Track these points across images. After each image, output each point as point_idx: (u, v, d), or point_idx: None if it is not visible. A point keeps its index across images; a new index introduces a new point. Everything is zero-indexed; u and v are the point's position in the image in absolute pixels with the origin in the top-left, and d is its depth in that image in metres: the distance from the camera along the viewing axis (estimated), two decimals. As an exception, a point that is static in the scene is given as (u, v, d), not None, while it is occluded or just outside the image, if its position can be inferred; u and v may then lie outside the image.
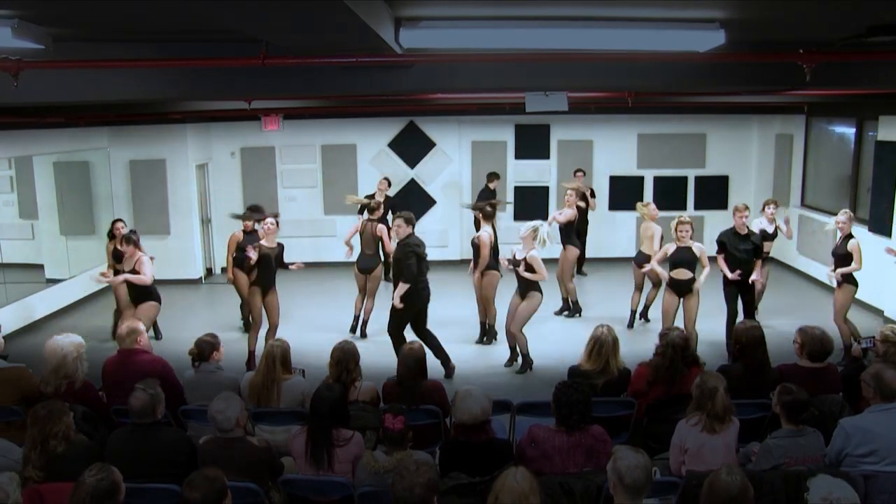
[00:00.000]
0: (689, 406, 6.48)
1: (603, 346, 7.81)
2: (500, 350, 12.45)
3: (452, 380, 11.17)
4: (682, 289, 11.55)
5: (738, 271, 11.64)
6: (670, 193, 18.98)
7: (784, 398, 6.15)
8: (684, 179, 19.49)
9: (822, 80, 8.83)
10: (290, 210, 18.83)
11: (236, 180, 19.28)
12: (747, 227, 11.97)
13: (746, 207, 12.05)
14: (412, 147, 19.47)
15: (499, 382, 11.15)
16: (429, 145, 19.47)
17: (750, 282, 11.82)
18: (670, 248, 11.58)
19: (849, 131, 16.38)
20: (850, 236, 11.60)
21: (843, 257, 11.59)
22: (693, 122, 19.17)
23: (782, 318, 13.46)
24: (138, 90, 9.36)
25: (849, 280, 11.62)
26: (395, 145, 19.45)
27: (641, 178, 19.43)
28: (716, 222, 18.01)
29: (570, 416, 6.15)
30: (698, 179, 19.52)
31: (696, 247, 11.51)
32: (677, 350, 7.62)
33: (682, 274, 11.52)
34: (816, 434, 6.18)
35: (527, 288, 11.41)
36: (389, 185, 16.98)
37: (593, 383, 7.56)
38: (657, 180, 19.38)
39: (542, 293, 11.47)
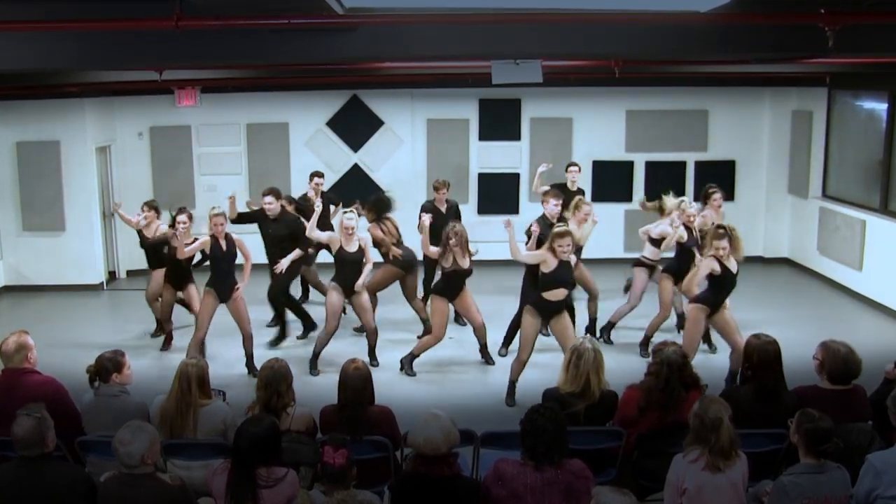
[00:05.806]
0: (687, 438, 6.43)
1: (582, 357, 7.72)
2: (476, 372, 12.62)
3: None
4: (550, 311, 11.11)
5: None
6: (665, 182, 18.23)
7: (804, 426, 6.12)
8: (682, 165, 19.49)
9: (848, 46, 8.85)
10: (210, 201, 18.56)
11: (145, 166, 19.07)
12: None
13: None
14: (356, 126, 19.36)
15: (469, 410, 11.00)
16: (376, 124, 19.37)
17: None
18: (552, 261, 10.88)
19: (880, 107, 16.43)
20: None
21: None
22: (693, 96, 19.20)
23: (800, 330, 13.38)
24: (28, 58, 9.25)
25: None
26: (335, 124, 19.36)
27: (630, 164, 19.41)
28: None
29: (535, 447, 6.17)
30: (699, 165, 19.48)
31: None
32: (674, 369, 7.56)
33: (556, 295, 10.96)
34: (841, 470, 6.17)
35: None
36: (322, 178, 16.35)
37: (574, 411, 7.55)
38: (649, 166, 19.35)
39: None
